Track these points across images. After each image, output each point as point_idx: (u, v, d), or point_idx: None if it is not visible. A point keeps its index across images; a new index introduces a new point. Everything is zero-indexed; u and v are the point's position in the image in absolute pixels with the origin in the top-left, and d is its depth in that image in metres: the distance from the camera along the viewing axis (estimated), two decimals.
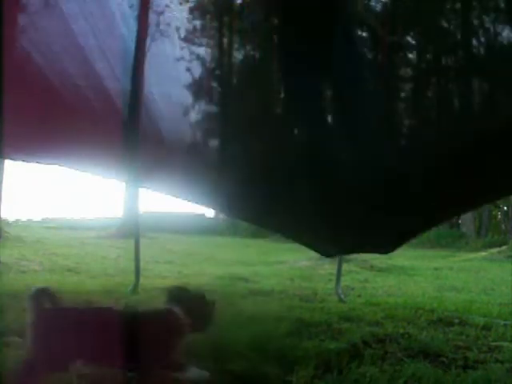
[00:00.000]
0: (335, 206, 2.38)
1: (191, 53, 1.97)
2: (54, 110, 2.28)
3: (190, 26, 1.88)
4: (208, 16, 1.87)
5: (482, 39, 1.74)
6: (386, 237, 2.90)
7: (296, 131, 2.23)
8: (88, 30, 1.75)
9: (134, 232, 5.20)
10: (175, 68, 2.01)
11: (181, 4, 1.83)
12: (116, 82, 1.92)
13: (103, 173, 4.43)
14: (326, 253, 4.09)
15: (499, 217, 27.45)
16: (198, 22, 1.87)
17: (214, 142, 2.40)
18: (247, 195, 2.49)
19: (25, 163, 4.35)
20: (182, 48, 1.94)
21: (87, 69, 1.81)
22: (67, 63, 1.82)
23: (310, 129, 2.07)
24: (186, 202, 4.64)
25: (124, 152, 2.56)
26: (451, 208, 2.63)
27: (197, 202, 4.36)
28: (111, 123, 2.23)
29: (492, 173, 2.01)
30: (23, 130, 2.69)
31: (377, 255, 11.92)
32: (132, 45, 1.81)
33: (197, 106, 2.15)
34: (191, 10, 1.84)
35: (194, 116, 2.15)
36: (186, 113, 2.12)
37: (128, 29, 1.77)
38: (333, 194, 2.28)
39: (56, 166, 4.36)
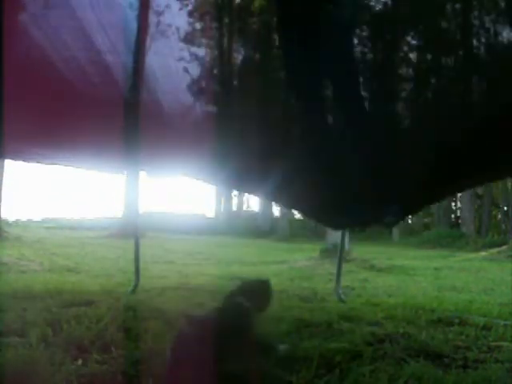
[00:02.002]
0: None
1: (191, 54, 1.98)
2: (54, 97, 2.28)
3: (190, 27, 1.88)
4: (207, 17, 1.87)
5: (483, 39, 1.75)
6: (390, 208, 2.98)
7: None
8: (87, 3, 1.73)
9: (133, 232, 5.20)
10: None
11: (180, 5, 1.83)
12: (117, 57, 1.90)
13: (103, 165, 4.44)
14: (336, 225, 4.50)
15: (499, 217, 27.45)
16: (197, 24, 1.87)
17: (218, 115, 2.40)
18: (260, 168, 2.52)
19: (25, 163, 4.36)
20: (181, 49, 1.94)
21: (86, 43, 1.80)
22: (66, 37, 1.81)
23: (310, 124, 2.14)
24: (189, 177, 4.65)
25: (125, 132, 2.58)
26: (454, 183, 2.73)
27: (201, 177, 4.41)
28: (112, 102, 2.23)
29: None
30: (24, 126, 2.70)
31: (377, 255, 11.93)
32: (134, 20, 1.80)
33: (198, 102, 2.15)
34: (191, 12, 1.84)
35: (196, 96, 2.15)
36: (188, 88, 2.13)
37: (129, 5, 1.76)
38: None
39: (56, 164, 4.38)
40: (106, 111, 2.43)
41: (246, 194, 35.66)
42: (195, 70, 2.08)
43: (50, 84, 2.20)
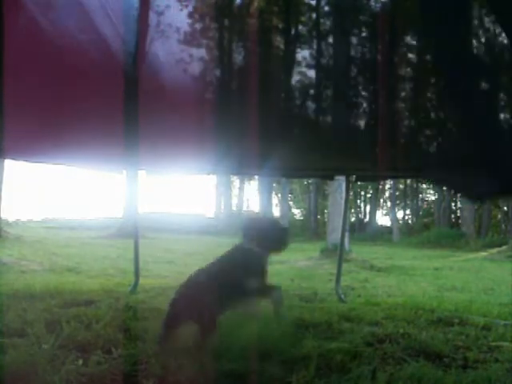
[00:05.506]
0: None
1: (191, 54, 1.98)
2: (53, 96, 2.28)
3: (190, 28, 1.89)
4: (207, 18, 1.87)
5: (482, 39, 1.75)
6: None
7: None
8: None
9: (133, 232, 5.20)
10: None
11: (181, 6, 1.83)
12: (119, 35, 1.90)
13: (103, 165, 4.44)
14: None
15: (499, 217, 27.46)
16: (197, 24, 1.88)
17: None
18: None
19: (25, 163, 4.35)
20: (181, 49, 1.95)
21: (90, 28, 1.80)
22: (70, 22, 1.80)
23: None
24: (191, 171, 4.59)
25: (125, 127, 2.58)
26: None
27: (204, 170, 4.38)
28: (112, 100, 2.22)
29: None
30: (25, 125, 2.70)
31: (377, 255, 11.92)
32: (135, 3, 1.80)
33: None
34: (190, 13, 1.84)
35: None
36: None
37: None
38: None
39: (57, 164, 4.38)
40: (105, 109, 2.43)
41: (246, 194, 35.65)
42: (196, 68, 2.09)
43: (49, 84, 2.20)
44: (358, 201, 33.08)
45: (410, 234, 24.91)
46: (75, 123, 2.71)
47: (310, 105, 2.36)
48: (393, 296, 4.98)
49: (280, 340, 2.40)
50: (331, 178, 6.01)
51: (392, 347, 2.65)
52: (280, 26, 2.00)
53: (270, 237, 2.43)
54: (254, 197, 54.14)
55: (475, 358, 2.52)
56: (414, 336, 2.92)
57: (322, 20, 1.92)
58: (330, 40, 2.02)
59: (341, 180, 8.60)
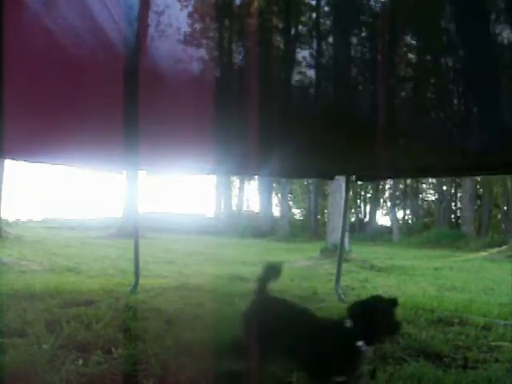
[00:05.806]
0: None
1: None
2: (53, 96, 2.28)
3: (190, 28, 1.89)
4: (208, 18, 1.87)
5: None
6: None
7: None
8: None
9: (133, 232, 5.20)
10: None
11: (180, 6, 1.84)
12: (119, 35, 1.89)
13: (103, 165, 4.44)
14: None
15: (499, 217, 27.45)
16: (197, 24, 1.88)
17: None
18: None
19: (25, 163, 4.36)
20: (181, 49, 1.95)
21: (90, 21, 1.80)
22: (71, 23, 1.80)
23: None
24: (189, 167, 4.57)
25: (125, 129, 2.57)
26: None
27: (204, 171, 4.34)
28: (111, 100, 2.21)
29: None
30: (25, 125, 2.70)
31: (377, 255, 11.91)
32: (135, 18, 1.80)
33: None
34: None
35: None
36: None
37: None
38: None
39: (57, 164, 4.38)
40: (105, 109, 2.43)
41: (246, 194, 35.65)
42: (196, 68, 2.09)
43: (49, 84, 2.20)
44: (358, 201, 33.06)
45: (409, 234, 24.89)
46: (75, 123, 2.71)
47: (310, 105, 2.35)
48: (393, 296, 4.97)
49: None
50: (331, 178, 6.01)
51: (392, 347, 2.65)
52: (280, 25, 2.01)
53: (380, 326, 1.90)
54: (254, 197, 54.17)
55: (475, 358, 2.52)
56: (414, 336, 2.93)
57: (322, 20, 1.92)
58: (330, 40, 2.02)
59: (341, 180, 8.60)
